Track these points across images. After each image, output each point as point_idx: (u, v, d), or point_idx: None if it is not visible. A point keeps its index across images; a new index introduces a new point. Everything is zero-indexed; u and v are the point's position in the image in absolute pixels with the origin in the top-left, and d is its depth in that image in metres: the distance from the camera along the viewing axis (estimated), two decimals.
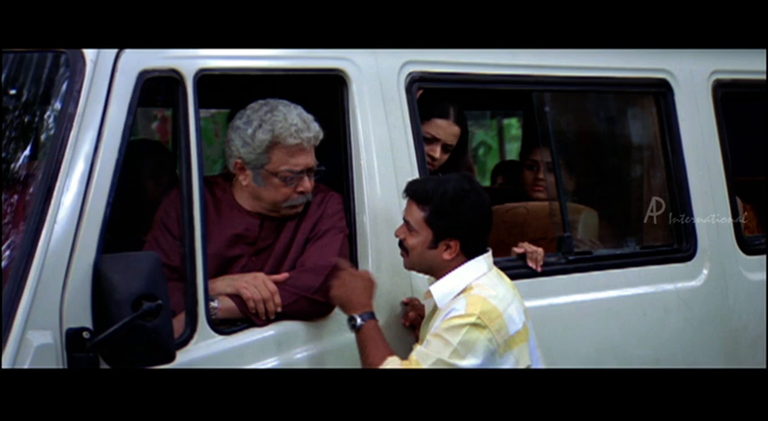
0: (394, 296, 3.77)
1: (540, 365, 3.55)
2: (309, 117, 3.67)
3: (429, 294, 3.57)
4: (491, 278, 3.53)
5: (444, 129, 4.22)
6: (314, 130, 3.65)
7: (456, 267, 3.52)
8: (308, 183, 3.67)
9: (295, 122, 3.61)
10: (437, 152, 4.19)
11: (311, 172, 3.68)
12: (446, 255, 3.51)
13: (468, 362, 3.36)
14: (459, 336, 3.36)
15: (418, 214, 3.51)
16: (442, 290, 3.52)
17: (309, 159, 3.66)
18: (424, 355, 3.39)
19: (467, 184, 3.55)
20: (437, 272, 3.55)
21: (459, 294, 3.48)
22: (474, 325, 3.37)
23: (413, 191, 3.56)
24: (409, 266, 3.62)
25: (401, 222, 3.77)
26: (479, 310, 3.39)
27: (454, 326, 3.37)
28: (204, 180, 3.64)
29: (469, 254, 3.53)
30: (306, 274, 3.62)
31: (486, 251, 3.57)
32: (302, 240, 3.71)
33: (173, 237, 3.60)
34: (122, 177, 3.27)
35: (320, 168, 3.71)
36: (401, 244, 3.58)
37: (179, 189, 3.46)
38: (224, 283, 3.56)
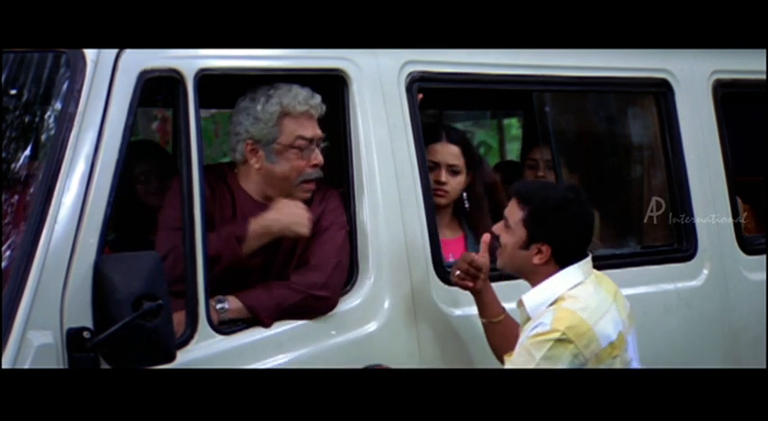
0: (394, 295, 3.77)
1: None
2: (309, 90, 3.71)
3: (521, 303, 3.52)
4: (586, 288, 3.48)
5: (440, 151, 4.19)
6: (317, 100, 3.70)
7: (547, 275, 3.48)
8: (320, 156, 3.69)
9: (300, 92, 3.67)
10: (442, 176, 4.16)
11: (320, 145, 3.71)
12: (536, 259, 3.47)
13: None
14: (543, 352, 3.32)
15: (517, 213, 3.49)
16: (534, 300, 3.48)
17: (317, 129, 3.70)
18: (514, 366, 3.39)
19: (571, 194, 3.54)
20: (526, 274, 3.53)
21: (550, 305, 3.44)
22: (558, 341, 3.33)
23: (517, 189, 3.57)
24: (500, 265, 3.60)
25: (401, 222, 3.78)
26: (565, 326, 3.35)
27: (539, 341, 3.34)
28: (211, 167, 3.68)
29: (562, 262, 3.49)
30: (310, 272, 3.63)
31: (583, 257, 3.53)
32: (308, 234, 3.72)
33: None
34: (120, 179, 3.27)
35: (325, 143, 3.73)
36: (497, 240, 3.58)
37: (179, 188, 3.46)
38: (267, 221, 3.60)
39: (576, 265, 3.50)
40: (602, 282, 3.56)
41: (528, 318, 3.49)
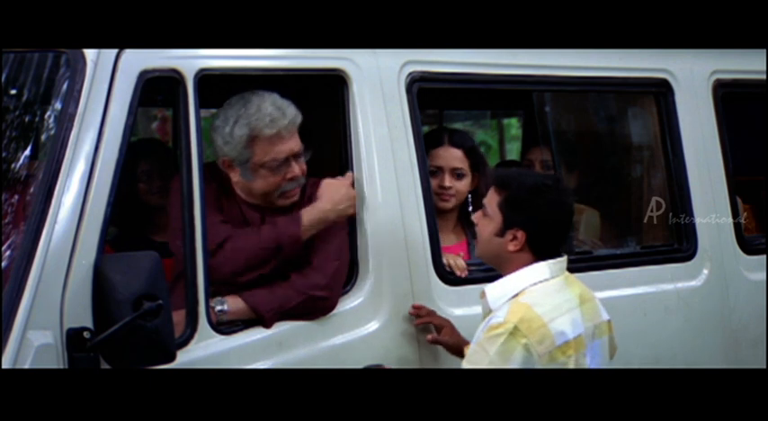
0: (394, 295, 3.77)
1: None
2: (285, 103, 3.66)
3: (483, 294, 3.49)
4: (549, 286, 3.43)
5: (443, 156, 4.18)
6: (289, 116, 3.64)
7: (522, 265, 3.43)
8: (296, 169, 3.67)
9: (269, 112, 3.61)
10: (446, 180, 4.16)
11: (298, 156, 3.68)
12: (511, 246, 3.41)
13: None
14: (496, 346, 3.28)
15: (494, 198, 3.46)
16: (496, 292, 3.44)
17: (292, 145, 3.65)
18: (470, 364, 3.36)
19: (549, 181, 3.50)
20: (501, 264, 3.47)
21: (510, 299, 3.40)
22: (511, 334, 3.29)
23: (496, 176, 3.56)
24: (477, 253, 3.59)
25: (401, 222, 3.78)
26: (518, 318, 3.30)
27: (492, 335, 3.30)
28: (213, 165, 3.67)
29: (538, 253, 3.43)
30: (312, 273, 3.63)
31: (557, 256, 3.47)
32: None
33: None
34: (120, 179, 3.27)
35: (307, 152, 3.72)
36: (473, 228, 3.56)
37: (180, 186, 3.46)
38: (322, 212, 3.67)
39: (545, 262, 3.44)
40: (571, 284, 3.50)
41: (489, 311, 3.46)
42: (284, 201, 3.71)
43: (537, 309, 3.34)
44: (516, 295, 3.40)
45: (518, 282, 3.42)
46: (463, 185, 4.19)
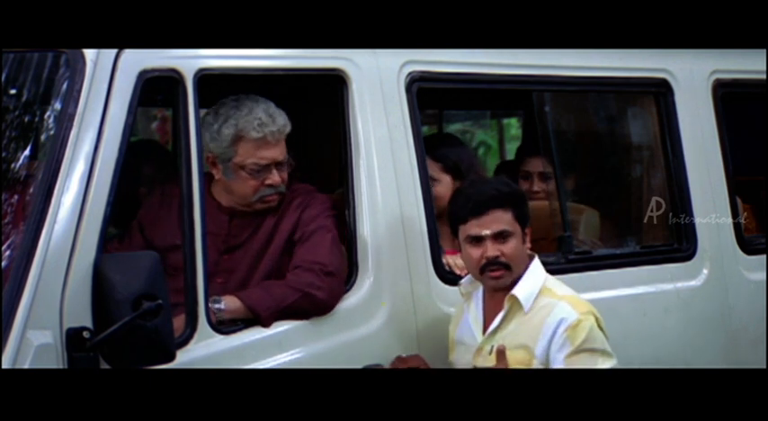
0: (394, 295, 3.77)
1: None
2: (277, 111, 3.70)
3: (512, 298, 3.51)
4: (551, 277, 3.61)
5: None
6: (278, 125, 3.68)
7: (527, 261, 3.58)
8: (276, 177, 3.70)
9: (259, 116, 3.66)
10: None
11: (280, 165, 3.71)
12: (528, 245, 3.58)
13: (614, 357, 3.45)
14: (600, 338, 3.43)
15: (507, 216, 3.52)
16: (527, 290, 3.52)
17: (276, 153, 3.69)
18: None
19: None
20: (522, 267, 3.56)
21: (538, 295, 3.50)
22: (595, 322, 3.45)
23: (493, 198, 3.53)
24: (512, 279, 3.55)
25: (401, 222, 3.77)
26: (587, 307, 3.47)
27: (587, 333, 3.41)
28: None
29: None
30: (305, 272, 3.62)
31: None
32: (281, 242, 3.73)
33: (141, 236, 3.76)
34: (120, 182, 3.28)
35: (290, 162, 3.74)
36: (497, 263, 3.51)
37: (178, 188, 3.46)
38: None
39: (536, 258, 3.61)
40: None
41: (513, 306, 3.51)
42: (262, 206, 3.75)
43: (577, 296, 3.53)
44: (541, 292, 3.52)
45: (538, 276, 3.56)
46: (442, 190, 4.12)
